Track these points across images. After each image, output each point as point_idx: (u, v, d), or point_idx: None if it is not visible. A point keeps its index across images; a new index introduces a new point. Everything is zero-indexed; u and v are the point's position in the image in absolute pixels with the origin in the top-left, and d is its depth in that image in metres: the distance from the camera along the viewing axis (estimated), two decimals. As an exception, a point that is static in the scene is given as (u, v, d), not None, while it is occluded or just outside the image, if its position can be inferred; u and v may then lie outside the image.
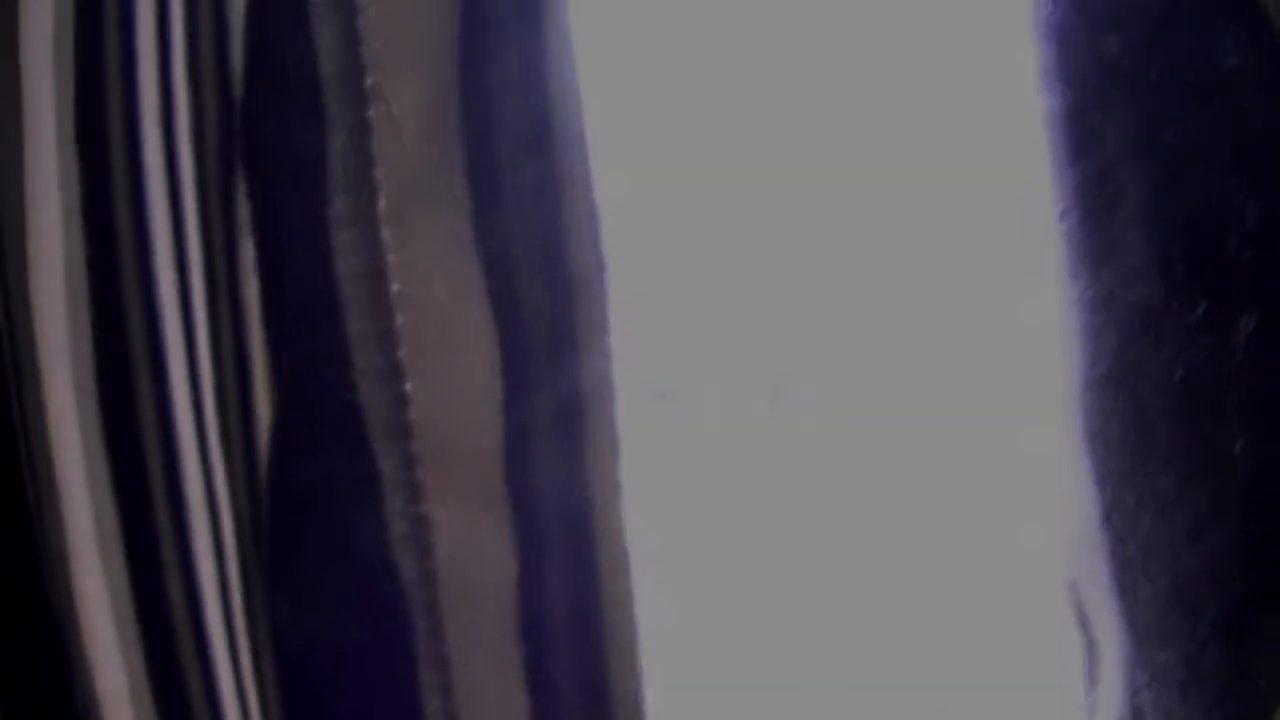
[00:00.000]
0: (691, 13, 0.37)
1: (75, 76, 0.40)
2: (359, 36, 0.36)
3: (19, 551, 0.43)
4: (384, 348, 0.37)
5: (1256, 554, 0.37)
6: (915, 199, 0.38)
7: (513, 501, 0.37)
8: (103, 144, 0.40)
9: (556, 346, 0.37)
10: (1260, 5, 0.34)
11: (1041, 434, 0.39)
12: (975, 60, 0.38)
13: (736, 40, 0.37)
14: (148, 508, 0.42)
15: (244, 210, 0.39)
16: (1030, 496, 0.40)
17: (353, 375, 0.37)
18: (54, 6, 0.39)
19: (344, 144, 0.37)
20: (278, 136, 0.38)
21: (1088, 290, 0.36)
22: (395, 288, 0.36)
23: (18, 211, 0.41)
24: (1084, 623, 0.40)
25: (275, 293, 0.38)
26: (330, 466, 0.38)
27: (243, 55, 0.38)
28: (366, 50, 0.36)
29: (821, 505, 0.39)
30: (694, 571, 0.39)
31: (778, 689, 0.40)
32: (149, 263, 0.40)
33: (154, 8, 0.40)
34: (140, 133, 0.39)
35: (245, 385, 0.39)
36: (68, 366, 0.41)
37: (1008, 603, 0.41)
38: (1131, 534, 0.37)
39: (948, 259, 0.38)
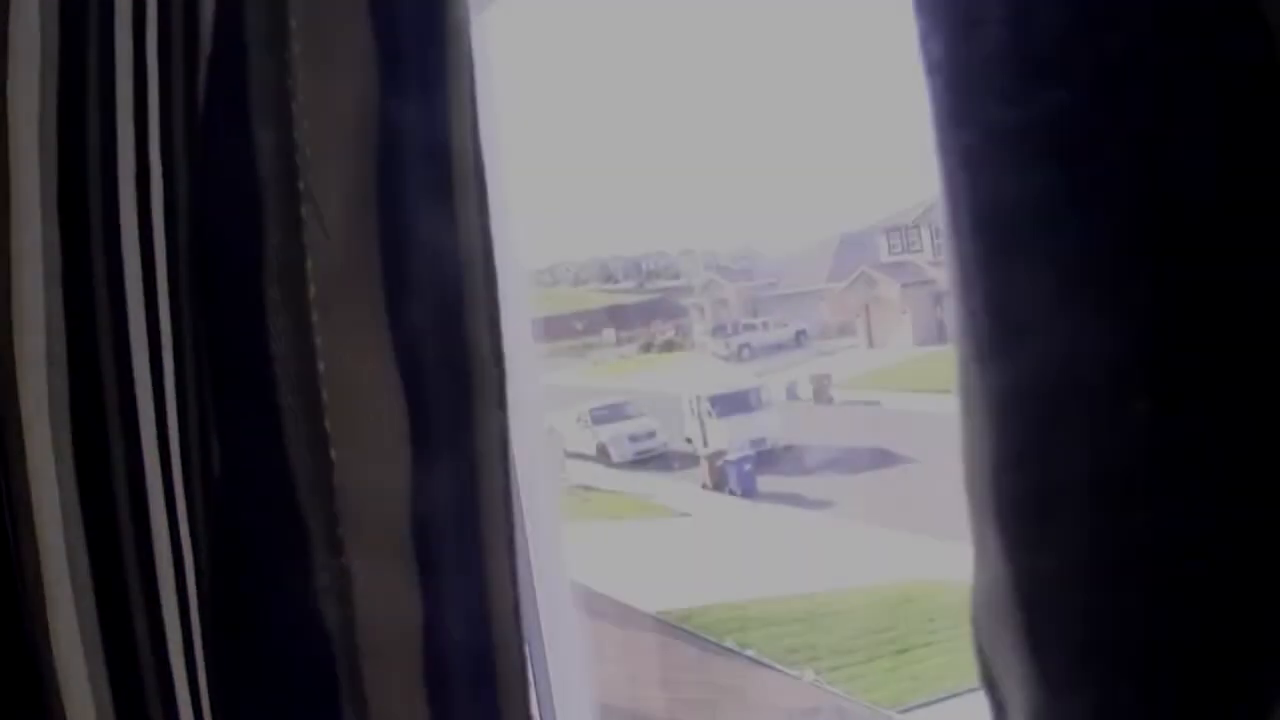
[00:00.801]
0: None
1: (58, 152, 0.44)
2: (294, 144, 0.40)
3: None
4: (311, 419, 0.41)
5: (1164, 607, 0.39)
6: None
7: (418, 555, 0.41)
8: (83, 217, 0.44)
9: (456, 420, 0.41)
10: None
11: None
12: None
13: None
14: (118, 554, 0.46)
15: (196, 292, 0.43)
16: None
17: (284, 442, 0.41)
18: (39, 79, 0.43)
19: (279, 239, 0.41)
20: (223, 227, 0.42)
21: (1001, 376, 0.38)
22: (321, 367, 0.41)
23: (4, 275, 0.45)
24: (992, 686, 0.42)
25: (222, 367, 0.42)
26: (266, 522, 0.42)
27: (200, 150, 0.42)
28: (300, 156, 0.40)
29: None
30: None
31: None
32: (124, 328, 0.44)
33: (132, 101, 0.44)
34: (119, 205, 0.43)
35: (206, 446, 0.43)
36: (46, 422, 0.45)
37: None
38: (1040, 599, 0.39)
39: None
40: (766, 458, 2.51)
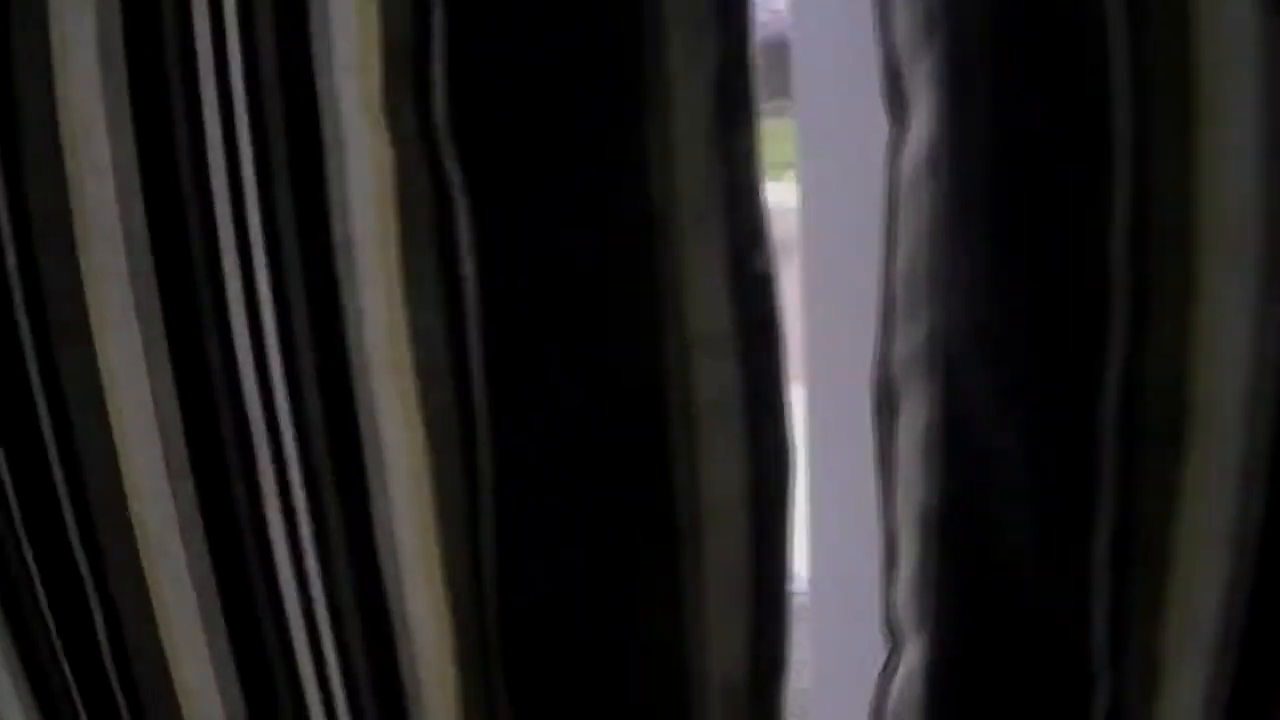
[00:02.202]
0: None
1: (127, 69, 0.44)
2: None
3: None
4: None
5: None
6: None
7: None
8: (165, 128, 0.44)
9: None
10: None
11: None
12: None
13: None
14: (221, 457, 0.47)
15: None
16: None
17: None
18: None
19: None
20: None
21: None
22: None
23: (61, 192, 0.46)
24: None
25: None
26: None
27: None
28: None
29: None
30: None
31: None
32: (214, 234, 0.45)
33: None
34: (202, 110, 0.44)
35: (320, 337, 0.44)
36: (134, 329, 0.46)
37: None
38: None
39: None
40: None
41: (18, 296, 0.45)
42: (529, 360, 0.43)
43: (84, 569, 0.48)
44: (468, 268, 0.43)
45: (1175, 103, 0.36)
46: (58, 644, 0.50)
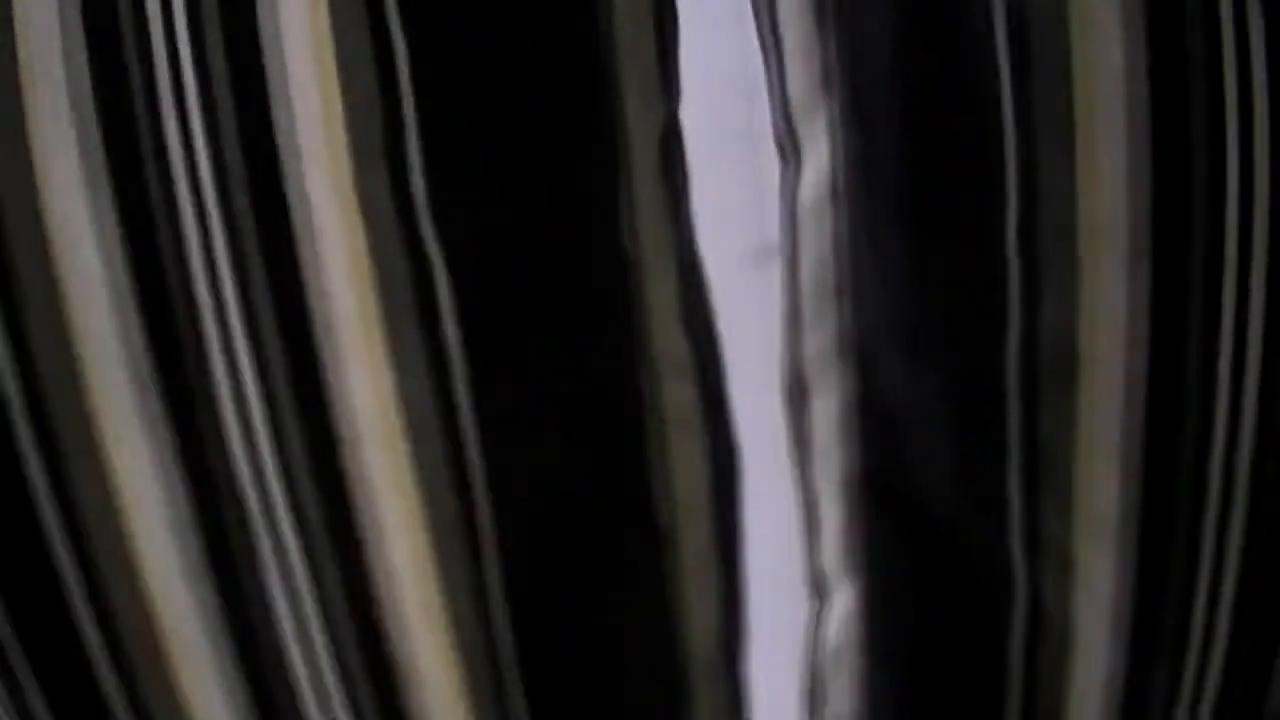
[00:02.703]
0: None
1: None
2: None
3: None
4: None
5: None
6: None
7: None
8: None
9: None
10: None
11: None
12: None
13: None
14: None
15: None
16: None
17: None
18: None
19: None
20: None
21: None
22: None
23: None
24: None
25: None
26: None
27: None
28: None
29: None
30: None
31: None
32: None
33: None
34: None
35: None
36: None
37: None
38: None
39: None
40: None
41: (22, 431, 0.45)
42: (518, 403, 0.48)
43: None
44: (450, 334, 0.46)
45: (1056, 131, 0.46)
46: None
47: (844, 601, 0.55)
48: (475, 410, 0.47)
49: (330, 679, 0.50)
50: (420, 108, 0.44)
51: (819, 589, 0.56)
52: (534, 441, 0.49)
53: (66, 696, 0.49)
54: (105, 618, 0.48)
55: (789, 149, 0.50)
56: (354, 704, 0.50)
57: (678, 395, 0.49)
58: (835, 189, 0.49)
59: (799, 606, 0.56)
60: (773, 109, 0.50)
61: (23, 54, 0.41)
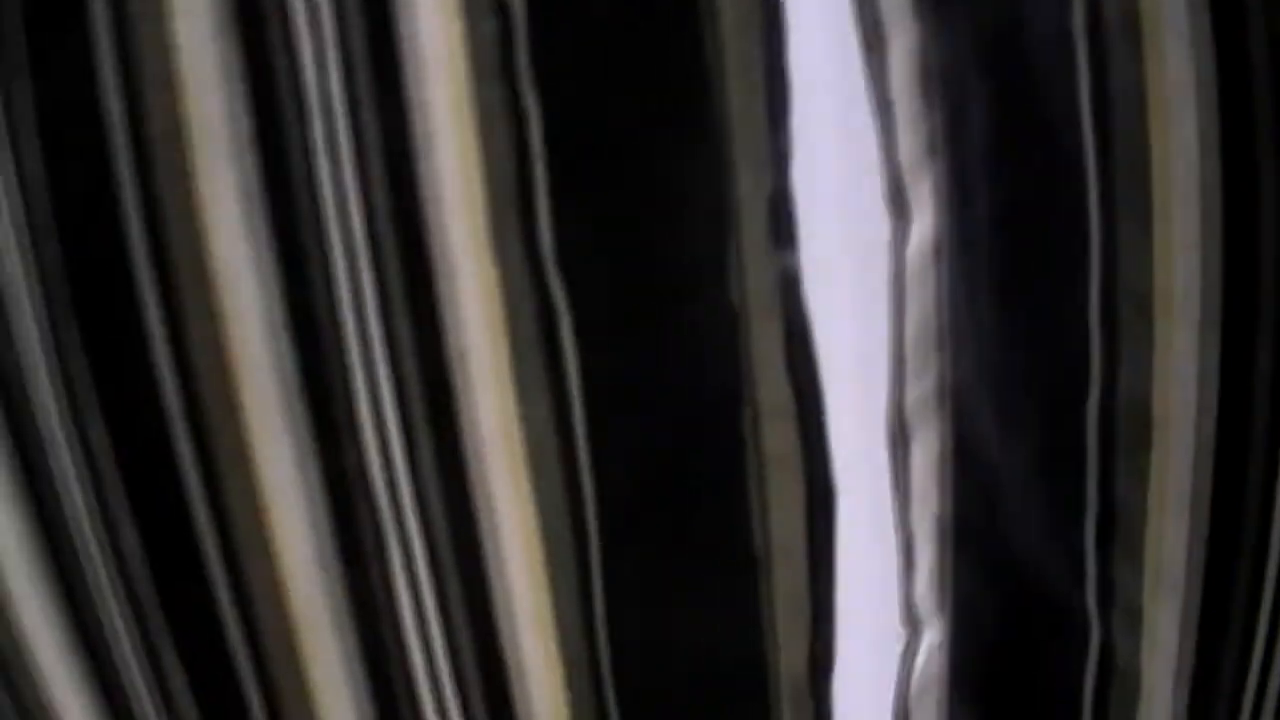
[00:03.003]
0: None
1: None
2: None
3: None
4: None
5: None
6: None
7: None
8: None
9: None
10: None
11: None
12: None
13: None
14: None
15: None
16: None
17: None
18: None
19: None
20: None
21: None
22: None
23: None
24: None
25: None
26: None
27: None
28: None
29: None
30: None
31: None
32: None
33: None
34: None
35: None
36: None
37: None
38: None
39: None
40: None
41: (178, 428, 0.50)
42: (628, 435, 0.52)
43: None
44: (571, 368, 0.51)
45: (1135, 206, 0.48)
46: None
47: (933, 636, 0.58)
48: (589, 440, 0.51)
49: (444, 673, 0.55)
50: (550, 164, 0.48)
51: (912, 624, 0.59)
52: (641, 472, 0.53)
53: (206, 678, 0.55)
54: (244, 603, 0.53)
55: (897, 208, 0.53)
56: (465, 702, 0.55)
57: (779, 437, 0.53)
58: (939, 249, 0.52)
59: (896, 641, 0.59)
60: (883, 170, 0.53)
61: (190, 112, 0.46)
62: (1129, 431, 0.51)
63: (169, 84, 0.45)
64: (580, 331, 0.50)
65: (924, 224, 0.52)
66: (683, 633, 0.55)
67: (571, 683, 0.55)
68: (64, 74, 0.45)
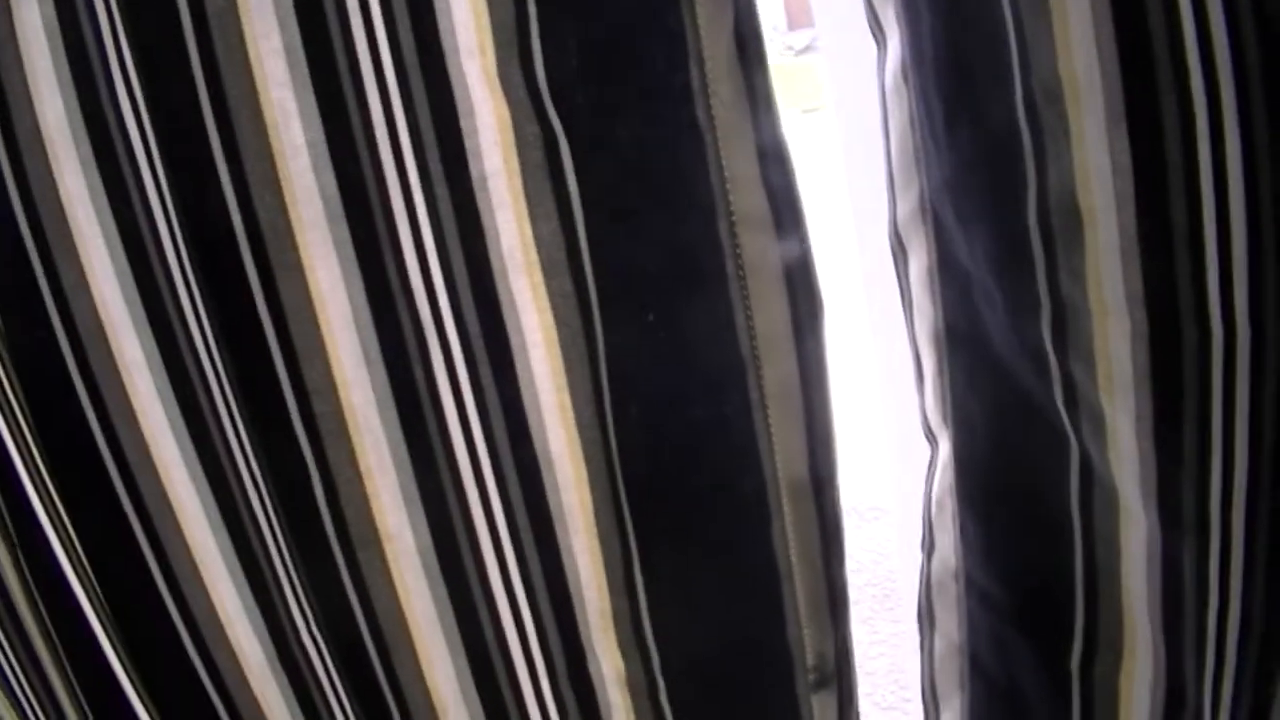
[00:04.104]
0: None
1: None
2: None
3: None
4: None
5: None
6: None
7: None
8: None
9: None
10: None
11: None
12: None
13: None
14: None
15: None
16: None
17: None
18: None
19: None
20: None
21: None
22: None
23: None
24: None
25: None
26: None
27: None
28: None
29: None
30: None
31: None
32: None
33: None
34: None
35: None
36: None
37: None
38: None
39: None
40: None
41: (241, 238, 0.61)
42: (624, 247, 0.59)
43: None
44: (573, 187, 0.59)
45: (1037, 5, 0.51)
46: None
47: (945, 448, 0.62)
48: (590, 252, 0.59)
49: (482, 453, 0.63)
50: (540, 17, 0.57)
51: (930, 437, 0.63)
52: (636, 273, 0.60)
53: (274, 457, 0.65)
54: (302, 398, 0.64)
55: (875, 31, 0.58)
56: (503, 489, 0.64)
57: (756, 247, 0.58)
58: (904, 68, 0.57)
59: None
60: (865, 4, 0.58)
61: (291, 173, 0.59)
62: (1063, 226, 0.53)
63: None
64: (576, 154, 0.58)
65: (894, 46, 0.57)
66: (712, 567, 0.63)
67: (583, 432, 0.63)
68: None
